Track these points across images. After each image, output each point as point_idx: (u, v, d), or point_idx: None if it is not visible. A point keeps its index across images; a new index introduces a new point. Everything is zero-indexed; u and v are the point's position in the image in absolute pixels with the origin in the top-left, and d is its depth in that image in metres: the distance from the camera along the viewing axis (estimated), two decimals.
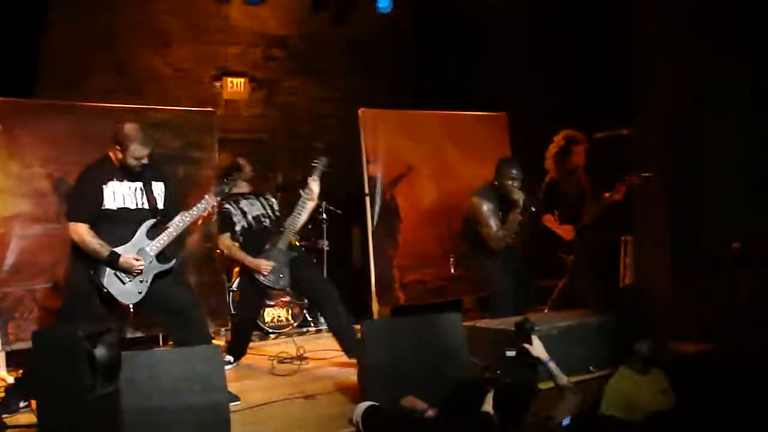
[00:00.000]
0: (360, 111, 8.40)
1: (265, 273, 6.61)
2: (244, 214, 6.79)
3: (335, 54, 10.76)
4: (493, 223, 7.07)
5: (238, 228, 6.75)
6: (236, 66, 10.31)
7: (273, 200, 7.02)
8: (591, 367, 5.90)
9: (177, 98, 9.48)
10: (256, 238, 6.76)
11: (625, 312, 5.39)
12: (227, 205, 6.71)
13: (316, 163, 6.72)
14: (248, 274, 6.81)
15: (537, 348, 4.63)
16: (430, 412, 4.63)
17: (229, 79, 10.19)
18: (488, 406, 4.17)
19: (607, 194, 7.26)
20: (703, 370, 5.90)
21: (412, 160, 8.64)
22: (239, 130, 10.16)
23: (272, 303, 8.23)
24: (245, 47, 10.36)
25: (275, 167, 9.91)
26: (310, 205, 6.74)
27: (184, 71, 10.01)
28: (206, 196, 5.67)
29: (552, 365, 4.64)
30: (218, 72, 10.19)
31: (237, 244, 6.74)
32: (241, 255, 6.71)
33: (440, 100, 9.67)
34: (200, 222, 5.84)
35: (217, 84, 10.18)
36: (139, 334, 7.29)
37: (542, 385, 4.58)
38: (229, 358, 6.81)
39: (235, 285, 8.17)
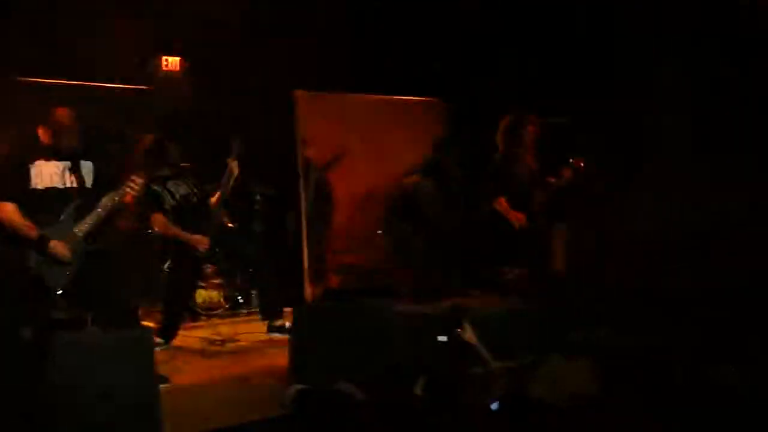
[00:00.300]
0: (295, 93, 8.39)
1: (203, 249, 6.69)
2: (171, 194, 6.84)
3: (272, 35, 10.70)
4: None
5: (167, 207, 6.79)
6: (172, 44, 10.19)
7: (193, 180, 7.09)
8: (522, 353, 5.99)
9: (112, 76, 9.36)
10: (186, 216, 6.81)
11: (555, 300, 5.48)
12: (155, 187, 6.77)
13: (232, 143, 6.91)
14: (180, 252, 6.84)
15: (467, 333, 4.70)
16: (361, 396, 4.67)
17: (164, 58, 10.08)
18: (419, 390, 4.23)
19: (552, 179, 7.32)
20: (629, 357, 6.05)
21: (347, 144, 8.66)
22: (174, 109, 10.06)
23: (204, 284, 8.20)
24: (181, 26, 10.25)
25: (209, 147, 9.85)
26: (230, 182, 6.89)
27: (119, 48, 9.87)
28: (133, 177, 5.55)
29: (482, 350, 4.72)
30: (154, 50, 10.06)
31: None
32: (177, 231, 6.75)
33: (378, 84, 9.69)
34: (130, 200, 5.68)
35: (153, 62, 10.06)
36: (63, 316, 7.19)
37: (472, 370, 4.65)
38: (160, 340, 6.77)
39: (167, 267, 8.13)
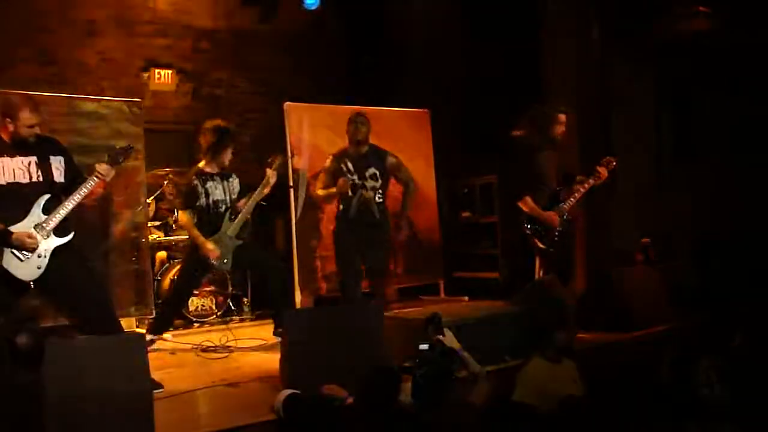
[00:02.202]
0: (285, 105, 8.51)
1: (213, 258, 6.76)
2: (207, 195, 6.88)
3: (262, 48, 10.83)
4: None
5: (198, 205, 6.86)
6: (164, 57, 10.28)
7: (235, 183, 7.14)
8: (506, 357, 6.05)
9: (103, 88, 9.46)
10: (210, 221, 6.89)
11: (538, 303, 5.58)
12: (196, 182, 6.87)
13: (272, 160, 6.98)
14: (193, 253, 6.96)
15: (449, 339, 4.81)
16: (350, 400, 4.75)
17: (157, 71, 10.16)
18: (405, 396, 4.32)
19: (581, 177, 7.04)
20: (611, 360, 6.16)
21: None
22: (165, 122, 10.16)
23: (196, 292, 8.29)
24: (173, 39, 10.34)
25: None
26: (259, 197, 6.95)
27: (111, 61, 9.96)
28: (99, 165, 5.42)
29: (465, 354, 4.82)
30: (145, 63, 10.15)
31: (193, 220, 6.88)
32: (196, 233, 6.81)
33: (366, 96, 9.80)
34: (100, 190, 5.55)
35: (145, 75, 10.14)
36: (52, 324, 7.13)
37: (456, 375, 4.73)
38: (150, 336, 6.84)
39: (159, 275, 8.26)
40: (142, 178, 7.90)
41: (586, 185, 7.00)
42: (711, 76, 8.11)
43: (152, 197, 8.62)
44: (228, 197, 7.03)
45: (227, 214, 6.98)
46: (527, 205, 6.91)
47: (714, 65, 8.01)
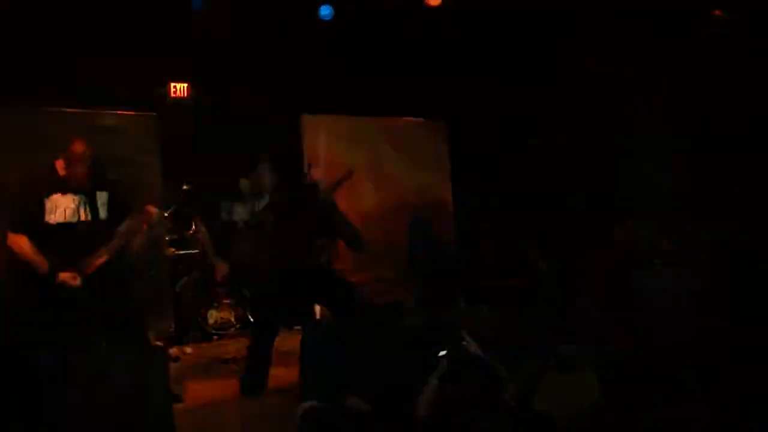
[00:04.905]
0: (303, 117, 8.53)
1: (218, 276, 6.70)
2: (233, 211, 6.76)
3: (279, 59, 10.82)
4: None
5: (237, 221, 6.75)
6: (180, 70, 10.29)
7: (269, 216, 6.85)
8: (525, 366, 6.05)
9: (119, 102, 9.47)
10: (231, 237, 6.79)
11: (553, 312, 5.56)
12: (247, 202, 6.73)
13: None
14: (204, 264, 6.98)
15: (472, 346, 4.81)
16: (371, 412, 4.75)
17: (173, 84, 10.17)
18: (421, 408, 4.32)
19: None
20: (631, 368, 6.12)
21: (352, 166, 8.75)
22: (182, 135, 10.17)
23: (216, 304, 8.30)
24: (189, 52, 10.35)
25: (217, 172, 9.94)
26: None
27: (127, 75, 9.97)
28: (148, 207, 5.61)
29: (491, 362, 4.82)
30: (162, 76, 10.16)
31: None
32: (209, 246, 6.72)
33: (382, 107, 9.81)
34: (143, 230, 5.76)
35: (161, 88, 10.15)
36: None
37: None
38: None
39: (178, 288, 8.28)
40: (159, 192, 7.91)
41: None
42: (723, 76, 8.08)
43: (170, 210, 8.63)
44: (257, 221, 6.85)
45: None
46: None
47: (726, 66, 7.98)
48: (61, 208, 5.36)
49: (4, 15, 8.41)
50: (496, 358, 5.01)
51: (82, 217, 5.42)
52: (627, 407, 4.77)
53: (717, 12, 7.84)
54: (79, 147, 5.44)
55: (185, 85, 10.15)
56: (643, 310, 7.11)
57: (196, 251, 8.60)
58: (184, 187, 8.71)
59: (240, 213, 6.83)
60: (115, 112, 8.15)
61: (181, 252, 8.70)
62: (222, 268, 6.72)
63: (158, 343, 7.63)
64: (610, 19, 7.97)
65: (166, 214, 8.34)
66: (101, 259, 5.36)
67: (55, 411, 4.56)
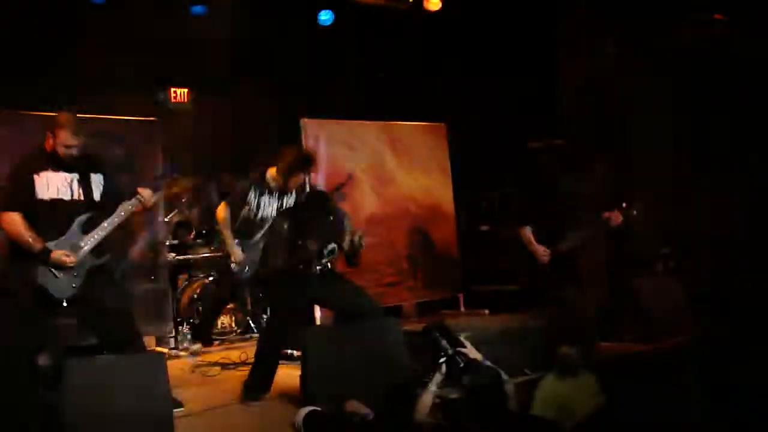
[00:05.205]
0: (302, 120, 8.53)
1: (234, 264, 6.62)
2: (258, 207, 6.64)
3: (278, 63, 10.82)
4: None
5: (242, 212, 6.64)
6: (180, 75, 10.28)
7: (292, 200, 6.77)
8: (525, 370, 6.05)
9: (119, 107, 9.45)
10: (248, 230, 6.72)
11: (555, 315, 5.56)
12: (252, 191, 6.56)
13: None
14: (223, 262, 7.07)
15: (471, 350, 4.80)
16: (371, 416, 4.75)
17: (173, 89, 10.17)
18: (424, 411, 4.32)
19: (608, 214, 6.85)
20: (633, 372, 6.11)
21: (352, 169, 8.76)
22: (182, 140, 10.16)
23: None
24: (189, 56, 10.34)
25: (217, 176, 9.93)
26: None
27: (127, 80, 9.96)
28: (141, 189, 5.49)
29: (489, 364, 4.81)
30: (162, 81, 10.16)
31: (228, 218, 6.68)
32: (228, 235, 6.64)
33: (382, 110, 9.82)
34: (139, 212, 5.60)
35: (161, 93, 10.15)
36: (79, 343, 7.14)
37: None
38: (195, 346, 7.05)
39: (179, 293, 8.28)
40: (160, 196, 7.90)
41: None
42: (728, 82, 8.08)
43: (170, 215, 8.64)
44: (272, 211, 6.67)
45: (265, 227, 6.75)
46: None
47: (732, 72, 7.98)
48: (53, 184, 5.30)
49: (6, 21, 8.47)
50: (496, 361, 4.99)
51: (75, 196, 5.37)
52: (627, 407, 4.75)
53: (717, 16, 7.84)
54: (63, 116, 5.35)
55: (185, 90, 10.18)
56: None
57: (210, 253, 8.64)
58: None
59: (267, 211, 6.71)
60: (116, 117, 8.08)
61: (181, 257, 8.72)
62: (237, 254, 6.60)
63: (159, 348, 7.65)
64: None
65: (166, 219, 8.35)
66: (94, 240, 5.32)
67: (54, 415, 4.54)
